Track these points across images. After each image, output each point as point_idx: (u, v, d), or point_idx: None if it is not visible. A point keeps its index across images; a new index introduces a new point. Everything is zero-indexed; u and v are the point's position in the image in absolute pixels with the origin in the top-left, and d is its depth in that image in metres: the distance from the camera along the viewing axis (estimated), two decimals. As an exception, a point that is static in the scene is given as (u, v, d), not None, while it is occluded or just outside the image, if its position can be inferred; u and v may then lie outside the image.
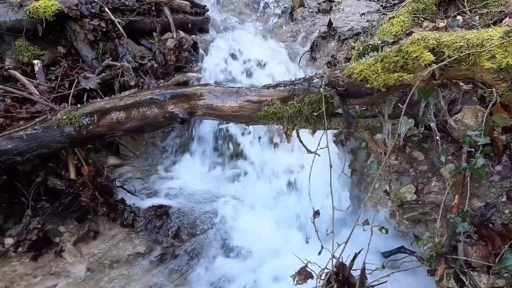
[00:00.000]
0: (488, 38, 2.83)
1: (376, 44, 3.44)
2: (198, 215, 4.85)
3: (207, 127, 5.93)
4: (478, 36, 2.88)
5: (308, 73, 6.06)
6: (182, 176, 5.56)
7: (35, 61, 5.50)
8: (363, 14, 7.20)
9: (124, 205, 4.62)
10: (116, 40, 6.02)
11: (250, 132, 5.79)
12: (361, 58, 3.37)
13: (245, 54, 6.56)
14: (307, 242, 4.63)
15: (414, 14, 4.97)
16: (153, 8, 6.53)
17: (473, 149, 3.73)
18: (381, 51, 3.25)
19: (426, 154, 4.36)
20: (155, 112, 3.93)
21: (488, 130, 3.73)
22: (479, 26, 4.36)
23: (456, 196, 3.66)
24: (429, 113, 3.87)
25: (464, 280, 3.38)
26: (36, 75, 5.39)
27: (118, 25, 6.03)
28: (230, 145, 5.85)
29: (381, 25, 5.39)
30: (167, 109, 3.90)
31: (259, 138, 5.78)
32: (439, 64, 2.90)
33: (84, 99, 5.15)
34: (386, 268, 3.36)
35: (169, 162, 5.83)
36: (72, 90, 5.25)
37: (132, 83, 5.58)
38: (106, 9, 6.01)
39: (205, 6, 7.32)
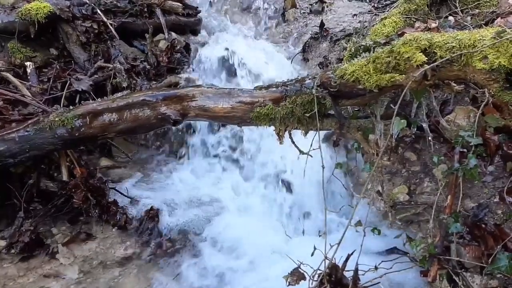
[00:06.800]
0: (480, 39, 2.84)
1: (368, 45, 3.44)
2: (192, 215, 4.85)
3: (202, 128, 5.95)
4: (470, 36, 2.89)
5: (300, 74, 6.05)
6: (176, 177, 5.56)
7: (28, 63, 5.48)
8: (355, 15, 7.21)
9: (116, 207, 4.61)
10: (108, 41, 6.01)
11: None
12: (353, 59, 3.37)
13: (236, 56, 6.55)
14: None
15: (406, 14, 4.98)
16: (145, 9, 6.52)
17: (465, 150, 3.73)
18: (373, 52, 3.26)
19: (418, 155, 4.37)
20: (148, 114, 3.92)
21: (480, 130, 3.74)
22: (471, 27, 4.37)
23: (449, 197, 3.67)
24: (421, 113, 3.86)
25: (457, 281, 3.38)
26: (29, 77, 5.37)
27: (110, 27, 6.02)
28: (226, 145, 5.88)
29: (373, 26, 5.40)
30: (159, 110, 3.89)
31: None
32: (431, 65, 2.91)
33: (77, 101, 5.13)
34: (379, 269, 3.36)
35: (162, 162, 5.83)
36: (64, 92, 5.23)
37: (125, 84, 5.57)
38: (98, 11, 6.00)
39: (197, 7, 7.31)
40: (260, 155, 5.62)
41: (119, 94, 4.57)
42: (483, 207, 3.71)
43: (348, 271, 3.30)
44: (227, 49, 6.52)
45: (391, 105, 3.68)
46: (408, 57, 2.97)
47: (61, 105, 4.94)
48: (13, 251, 4.21)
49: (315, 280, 3.22)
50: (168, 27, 6.63)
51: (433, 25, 4.59)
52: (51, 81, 5.39)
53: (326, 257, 3.16)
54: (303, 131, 3.71)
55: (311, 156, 3.62)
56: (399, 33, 4.56)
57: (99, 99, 4.52)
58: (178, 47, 6.40)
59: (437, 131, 4.13)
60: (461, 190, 3.65)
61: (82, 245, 4.39)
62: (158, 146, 6.02)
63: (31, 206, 4.51)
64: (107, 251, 4.34)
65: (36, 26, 5.54)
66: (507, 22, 4.18)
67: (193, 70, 6.34)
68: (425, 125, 3.84)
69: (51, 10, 5.54)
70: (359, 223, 3.33)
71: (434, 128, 4.11)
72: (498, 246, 3.30)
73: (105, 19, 6.01)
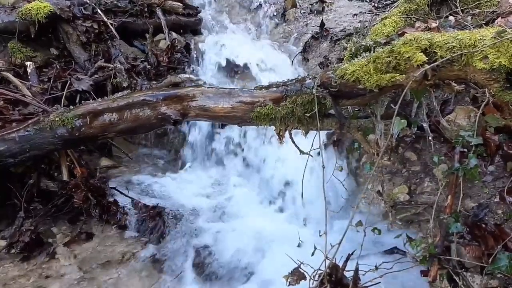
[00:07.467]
0: (481, 39, 2.84)
1: (368, 45, 3.44)
2: (192, 216, 4.84)
3: (202, 126, 5.94)
4: (471, 36, 2.88)
5: (300, 73, 6.04)
6: (176, 177, 5.55)
7: (28, 63, 5.49)
8: (355, 14, 7.20)
9: (116, 207, 4.61)
10: (109, 41, 6.02)
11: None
12: (354, 59, 3.37)
13: (237, 55, 6.56)
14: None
15: (406, 14, 4.97)
16: (146, 9, 6.53)
17: (465, 150, 3.73)
18: (374, 52, 3.25)
19: (418, 155, 4.36)
20: (148, 114, 3.92)
21: (480, 130, 3.73)
22: (472, 27, 4.37)
23: (449, 197, 3.66)
24: (421, 113, 3.86)
25: (457, 281, 3.37)
26: (29, 77, 5.39)
27: (111, 27, 6.03)
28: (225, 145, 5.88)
29: (374, 25, 5.39)
30: (160, 110, 3.89)
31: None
32: (432, 65, 2.91)
33: (77, 101, 5.14)
34: (379, 269, 3.36)
35: (162, 163, 5.83)
36: (64, 92, 5.25)
37: (125, 84, 5.57)
38: (99, 11, 6.01)
39: (198, 7, 7.31)
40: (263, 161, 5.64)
41: (120, 94, 4.57)
42: (484, 207, 3.71)
43: (348, 271, 3.30)
44: (227, 49, 6.53)
45: (392, 105, 3.68)
46: (409, 57, 2.97)
47: (62, 105, 4.96)
48: (13, 251, 4.21)
49: (315, 280, 3.22)
50: (168, 27, 6.64)
51: (434, 25, 4.59)
52: (52, 81, 5.40)
53: (326, 257, 3.16)
54: (303, 131, 3.71)
55: (311, 156, 3.62)
56: (399, 33, 4.56)
57: (99, 99, 4.52)
58: (178, 47, 6.40)
59: (438, 131, 4.13)
60: (462, 190, 3.63)
61: (82, 244, 4.39)
62: (159, 147, 6.01)
63: (31, 206, 4.51)
64: (108, 250, 4.33)
65: (37, 26, 5.57)
66: (507, 22, 4.18)
67: (193, 70, 6.34)
68: (425, 125, 3.84)
69: (52, 10, 5.55)
70: (359, 223, 3.32)
71: (435, 128, 4.10)
72: (499, 246, 3.30)
73: (105, 19, 6.02)
